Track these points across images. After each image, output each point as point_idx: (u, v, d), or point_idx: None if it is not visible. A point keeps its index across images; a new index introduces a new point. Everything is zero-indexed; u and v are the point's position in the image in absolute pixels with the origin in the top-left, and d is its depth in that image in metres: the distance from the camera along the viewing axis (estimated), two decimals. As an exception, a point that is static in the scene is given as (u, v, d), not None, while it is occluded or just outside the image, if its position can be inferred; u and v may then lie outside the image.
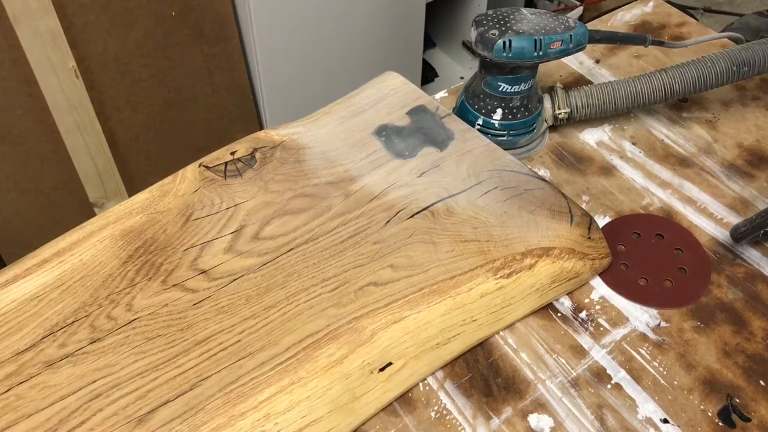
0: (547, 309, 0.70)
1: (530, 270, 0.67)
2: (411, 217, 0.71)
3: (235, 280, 0.66)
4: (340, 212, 0.71)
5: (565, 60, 0.98)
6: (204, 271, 0.67)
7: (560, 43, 0.77)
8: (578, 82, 0.94)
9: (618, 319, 0.69)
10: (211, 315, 0.63)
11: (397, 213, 0.71)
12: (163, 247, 0.69)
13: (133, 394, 0.58)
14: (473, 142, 0.78)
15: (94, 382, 0.59)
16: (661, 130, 0.88)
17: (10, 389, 0.59)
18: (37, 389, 0.59)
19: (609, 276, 0.72)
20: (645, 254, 0.74)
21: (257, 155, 0.77)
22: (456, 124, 0.80)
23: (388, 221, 0.71)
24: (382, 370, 0.61)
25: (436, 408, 0.63)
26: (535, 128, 0.84)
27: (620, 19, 1.04)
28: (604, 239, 0.72)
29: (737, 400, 0.63)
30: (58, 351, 0.61)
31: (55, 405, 0.58)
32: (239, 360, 0.60)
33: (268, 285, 0.65)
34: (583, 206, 0.77)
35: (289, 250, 0.68)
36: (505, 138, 0.83)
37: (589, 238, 0.70)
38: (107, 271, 0.67)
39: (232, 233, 0.70)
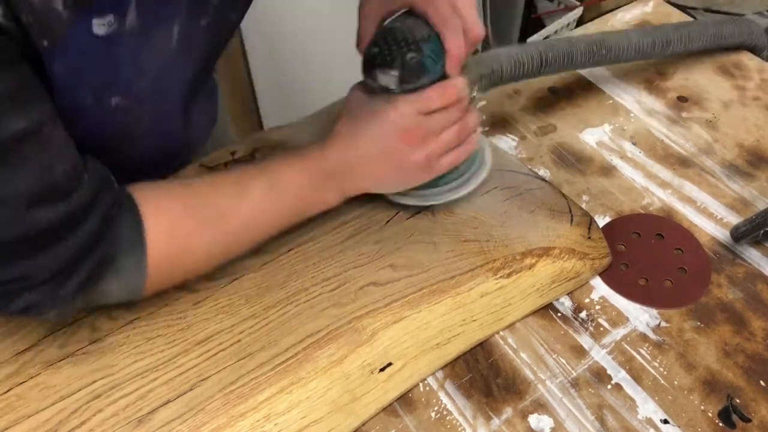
0: (547, 309, 0.70)
1: (530, 270, 0.67)
2: (411, 217, 0.71)
3: (235, 279, 0.66)
4: (339, 212, 0.71)
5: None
6: (204, 271, 0.66)
7: None
8: (578, 81, 0.94)
9: (618, 319, 0.69)
10: (211, 315, 0.63)
11: (397, 213, 0.71)
12: None
13: (133, 394, 0.58)
14: None
15: (94, 382, 0.59)
16: (661, 130, 0.87)
17: (10, 389, 0.59)
18: (38, 389, 0.59)
19: (609, 276, 0.72)
20: (645, 254, 0.74)
21: (257, 155, 0.77)
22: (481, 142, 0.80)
23: (388, 221, 0.70)
24: (382, 370, 0.61)
25: (436, 408, 0.63)
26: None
27: (620, 20, 1.03)
28: (604, 239, 0.72)
29: (737, 401, 0.63)
30: (58, 351, 0.61)
31: (55, 405, 0.58)
32: (239, 360, 0.60)
33: (268, 285, 0.65)
34: (583, 206, 0.77)
35: (289, 250, 0.68)
36: None
37: (589, 237, 0.70)
38: (108, 271, 0.67)
39: (232, 233, 0.69)
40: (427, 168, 0.65)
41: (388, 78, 0.62)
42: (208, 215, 0.60)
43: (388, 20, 0.64)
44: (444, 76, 0.63)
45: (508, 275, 0.66)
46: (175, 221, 0.58)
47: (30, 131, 0.48)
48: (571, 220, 0.70)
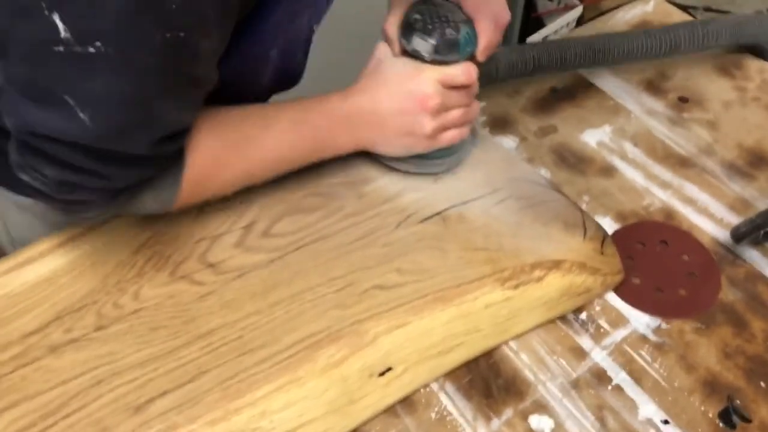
0: (547, 310, 0.64)
1: (539, 282, 0.60)
2: (422, 221, 0.64)
3: (242, 275, 0.60)
4: (351, 213, 0.65)
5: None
6: (212, 265, 0.61)
7: None
8: (579, 82, 0.89)
9: (618, 320, 0.63)
10: (215, 309, 0.58)
11: (408, 217, 0.65)
12: (174, 238, 0.63)
13: (133, 383, 0.54)
14: (490, 149, 0.72)
15: (96, 368, 0.55)
16: (662, 131, 0.82)
17: (15, 370, 0.55)
18: (41, 372, 0.55)
19: (624, 292, 0.65)
20: (653, 264, 0.67)
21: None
22: (473, 131, 0.75)
23: (399, 224, 0.64)
24: (381, 374, 0.56)
25: (436, 409, 0.57)
26: None
27: (620, 19, 0.97)
28: (617, 255, 0.65)
29: (738, 402, 0.58)
30: (63, 336, 0.57)
31: (57, 389, 0.54)
32: (240, 356, 0.55)
33: (274, 282, 0.60)
34: (584, 207, 0.70)
35: (298, 248, 0.62)
36: None
37: (602, 253, 0.64)
38: (118, 259, 0.62)
39: (242, 228, 0.64)
40: (432, 137, 0.64)
41: (424, 45, 0.62)
42: (236, 142, 0.61)
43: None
44: (469, 60, 0.63)
45: (516, 286, 0.60)
46: (211, 147, 0.59)
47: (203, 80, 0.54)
48: (585, 234, 0.64)
